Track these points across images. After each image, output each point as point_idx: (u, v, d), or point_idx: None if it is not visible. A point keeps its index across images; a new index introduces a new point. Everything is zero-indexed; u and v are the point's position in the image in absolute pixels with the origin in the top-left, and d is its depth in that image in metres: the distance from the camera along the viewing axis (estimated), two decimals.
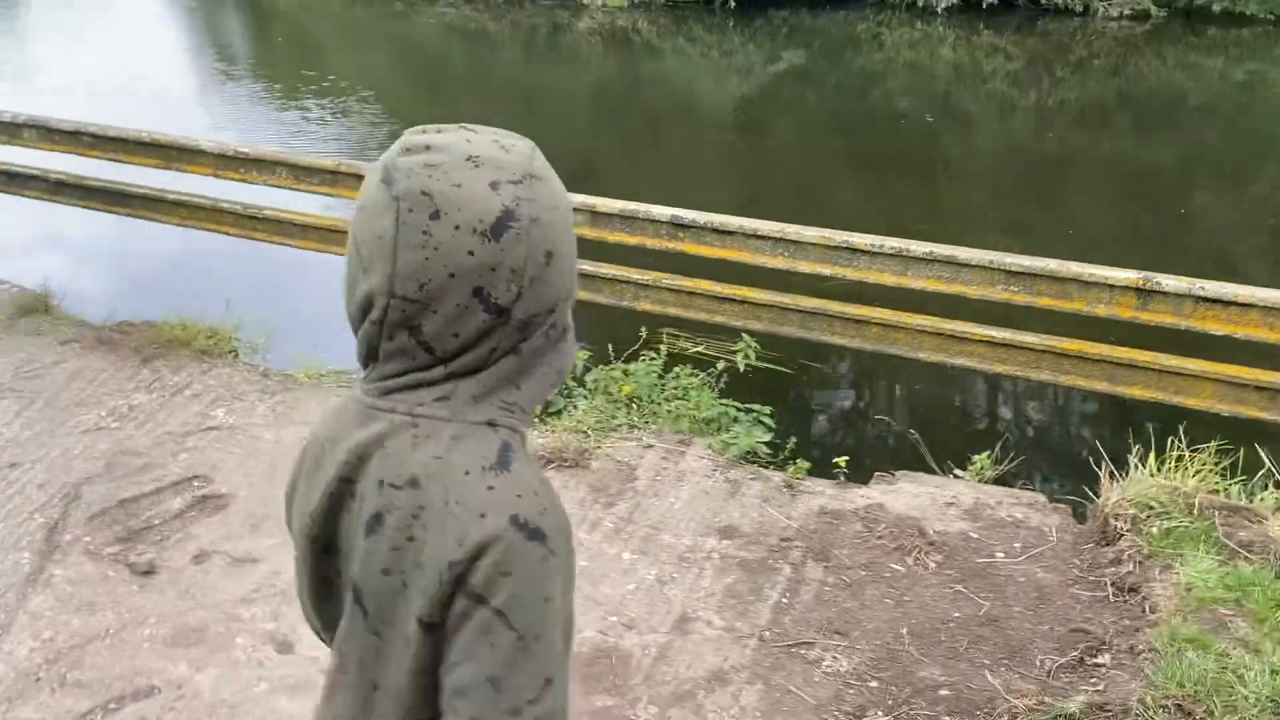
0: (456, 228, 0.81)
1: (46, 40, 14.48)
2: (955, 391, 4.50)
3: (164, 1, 19.46)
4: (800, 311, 3.95)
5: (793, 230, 3.85)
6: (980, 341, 3.73)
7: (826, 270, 3.84)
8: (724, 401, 3.19)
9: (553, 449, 2.91)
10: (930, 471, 3.06)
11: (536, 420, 3.12)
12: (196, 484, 2.78)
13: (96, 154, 5.03)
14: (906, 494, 2.81)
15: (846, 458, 2.98)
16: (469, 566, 0.80)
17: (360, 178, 4.54)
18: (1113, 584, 2.39)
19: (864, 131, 11.40)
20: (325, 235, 4.64)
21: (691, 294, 4.05)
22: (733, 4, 16.72)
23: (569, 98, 12.91)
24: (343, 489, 0.88)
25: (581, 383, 3.34)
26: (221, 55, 14.65)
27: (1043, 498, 2.81)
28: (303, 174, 4.59)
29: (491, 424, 0.86)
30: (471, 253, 0.82)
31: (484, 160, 0.84)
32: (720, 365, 3.34)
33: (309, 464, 0.93)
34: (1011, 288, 3.60)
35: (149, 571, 2.44)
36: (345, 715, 0.89)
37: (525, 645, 0.80)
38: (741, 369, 3.35)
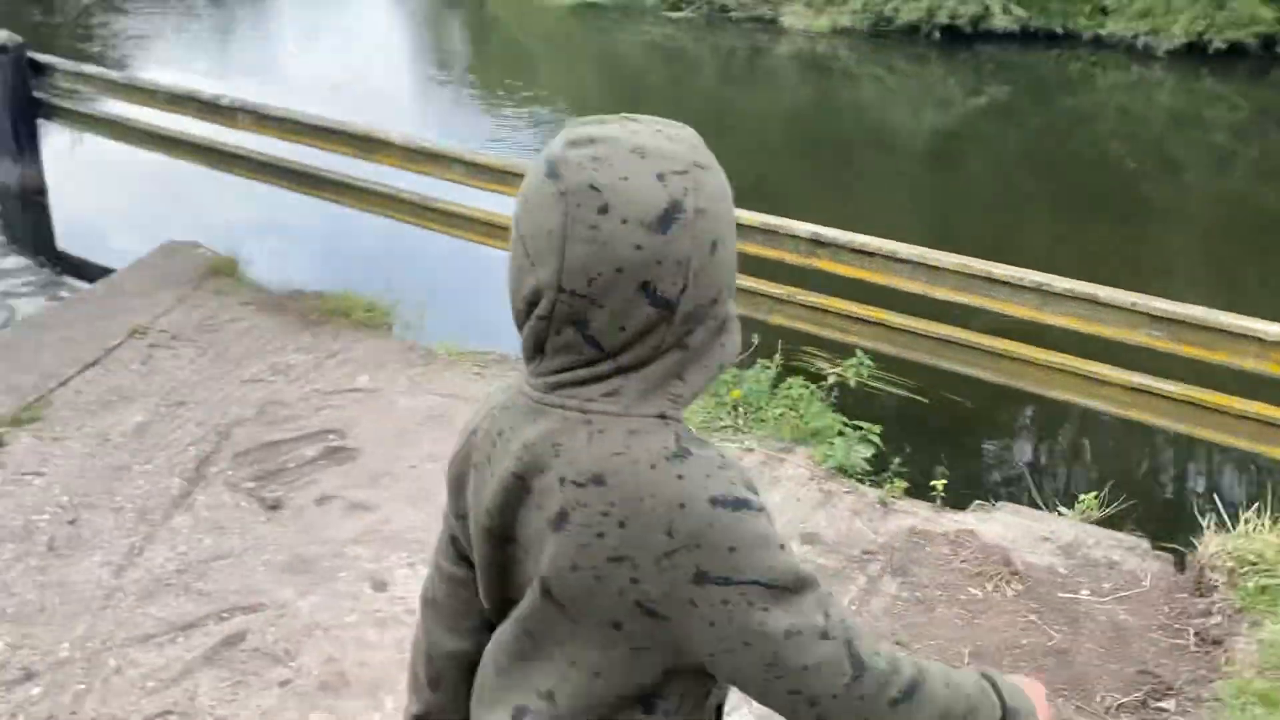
0: (624, 221, 0.81)
1: (287, 40, 15.71)
2: (1073, 428, 4.35)
3: (395, 9, 20.76)
4: (933, 338, 3.93)
5: (932, 255, 3.84)
6: (1117, 385, 3.62)
7: (963, 299, 3.81)
8: (834, 415, 3.23)
9: None
10: (1035, 506, 3.00)
11: None
12: (331, 437, 3.05)
13: (298, 139, 5.51)
14: (1002, 524, 2.79)
15: (944, 481, 2.97)
16: (690, 555, 0.82)
17: (524, 176, 4.82)
18: (1196, 634, 2.31)
19: (1066, 174, 11.00)
20: (489, 230, 4.93)
21: (825, 311, 4.09)
22: (938, 35, 16.43)
23: (762, 120, 13.02)
24: (517, 484, 0.88)
25: None
26: (439, 61, 15.54)
27: (1145, 543, 2.72)
28: (474, 170, 4.89)
29: (662, 416, 0.86)
30: (639, 246, 0.81)
31: (649, 151, 0.83)
32: (831, 379, 3.37)
33: (478, 457, 0.94)
34: (1154, 332, 3.48)
35: (276, 506, 2.71)
36: (543, 688, 0.91)
37: (793, 590, 0.83)
38: (852, 384, 3.37)
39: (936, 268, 3.82)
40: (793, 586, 0.83)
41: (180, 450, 2.95)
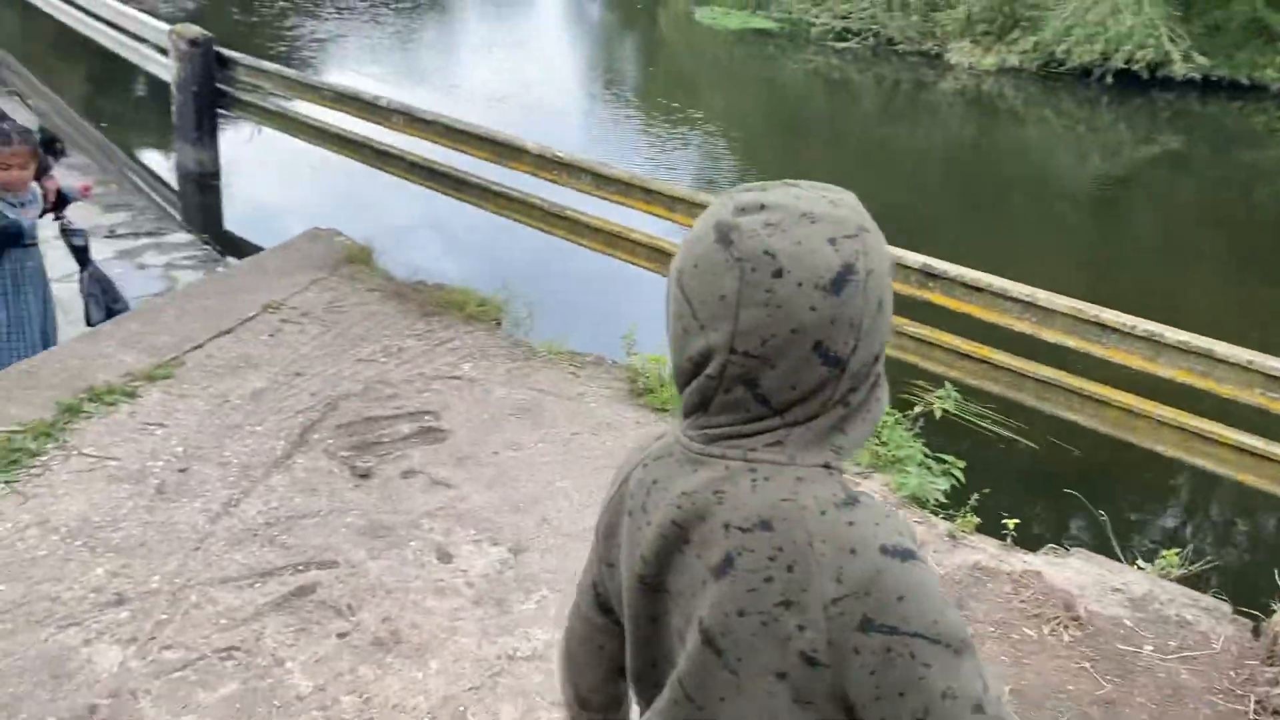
0: (799, 284, 0.83)
1: (461, 50, 16.38)
2: (1168, 482, 4.15)
3: (572, 27, 21.36)
4: (1037, 380, 3.85)
5: (1043, 296, 3.77)
6: (1229, 446, 3.47)
7: (1071, 343, 3.73)
8: (918, 445, 3.21)
9: None
10: (1113, 557, 2.91)
11: None
12: (427, 418, 3.22)
13: (445, 142, 5.80)
14: (1073, 569, 2.72)
15: (1017, 521, 2.91)
16: (859, 602, 0.82)
17: (647, 190, 4.94)
18: (1257, 701, 2.20)
19: (1242, 232, 10.45)
20: (610, 239, 5.08)
21: (932, 345, 4.06)
22: (1110, 79, 15.85)
23: (920, 155, 12.85)
24: (676, 532, 0.89)
25: None
26: (605, 78, 15.91)
27: (1226, 606, 2.61)
28: (602, 182, 5.06)
29: (827, 467, 0.87)
30: (813, 308, 0.83)
31: (819, 216, 0.85)
32: (918, 409, 3.35)
33: (631, 505, 0.96)
34: (1270, 393, 3.32)
35: (366, 475, 2.89)
36: None
37: (956, 651, 0.83)
38: (937, 416, 3.34)
39: (1048, 309, 3.75)
40: (956, 647, 0.84)
41: (289, 416, 3.17)
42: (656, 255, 4.91)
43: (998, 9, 17.68)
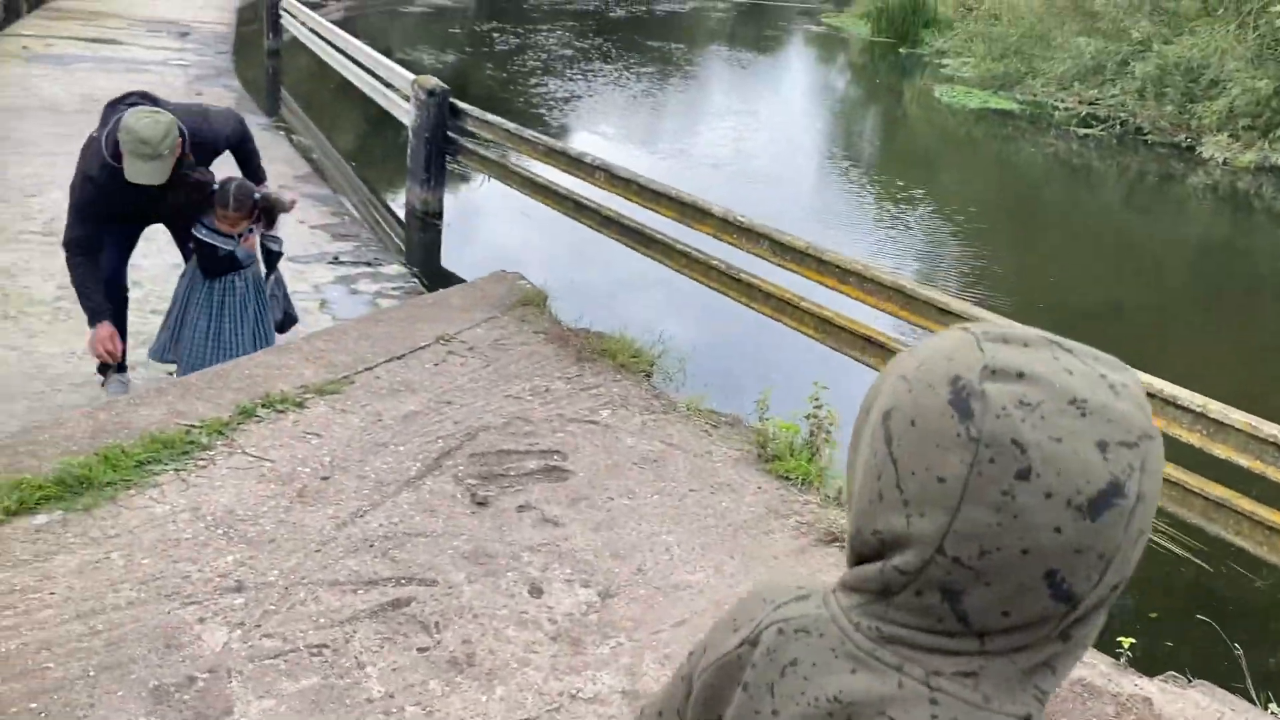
0: (1048, 495, 0.64)
1: (697, 115, 16.85)
2: None
3: (818, 99, 21.55)
4: (1205, 498, 3.58)
5: (1216, 408, 3.51)
6: None
7: (1244, 462, 3.45)
8: None
9: (842, 525, 3.04)
10: (1246, 697, 2.65)
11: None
12: (555, 458, 3.36)
13: (638, 200, 6.03)
14: (1189, 702, 2.50)
15: (1135, 641, 2.70)
16: None
17: (820, 260, 4.96)
18: None
19: None
20: (780, 305, 5.12)
21: None
22: None
23: (1160, 249, 12.15)
24: None
25: None
26: (834, 150, 15.96)
27: None
28: (780, 249, 5.11)
29: (1027, 718, 0.69)
30: (1059, 529, 0.65)
31: (1092, 407, 0.66)
32: None
33: (753, 678, 0.77)
34: None
35: (483, 504, 3.05)
36: None
37: None
38: None
39: (1221, 422, 3.49)
40: None
41: (431, 440, 3.39)
42: (823, 325, 4.91)
43: (1265, 103, 16.52)
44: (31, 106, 9.84)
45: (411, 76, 8.21)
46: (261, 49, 16.27)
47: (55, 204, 6.92)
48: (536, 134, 7.02)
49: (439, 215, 8.05)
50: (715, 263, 5.49)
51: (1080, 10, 20.45)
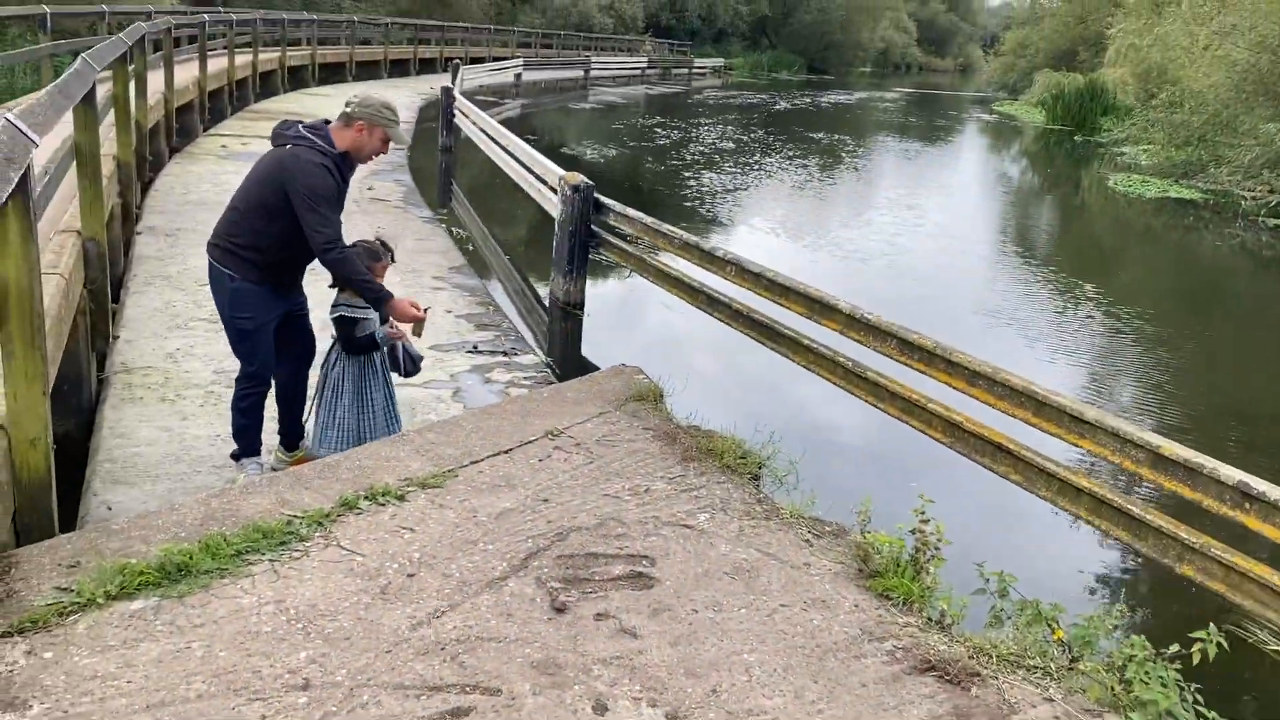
0: None
1: (857, 208, 16.72)
2: None
3: (980, 190, 21.08)
4: None
5: None
6: None
7: None
8: (1172, 690, 2.72)
9: (940, 652, 2.81)
10: None
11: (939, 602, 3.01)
12: (643, 563, 3.27)
13: (767, 295, 5.96)
14: None
15: None
16: None
17: (950, 361, 4.73)
18: None
19: None
20: (907, 406, 4.91)
21: (1244, 575, 3.49)
22: None
23: None
24: None
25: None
26: (999, 242, 15.48)
27: None
28: (908, 349, 4.93)
29: None
30: None
31: None
32: (1196, 650, 2.84)
33: None
34: None
35: (561, 610, 2.98)
36: None
37: None
38: (1198, 659, 2.81)
39: None
40: None
41: (521, 540, 3.36)
42: (952, 429, 4.68)
43: None
44: (219, 201, 10.63)
45: (560, 172, 8.46)
46: (436, 145, 17.21)
47: None
48: (673, 228, 7.08)
49: (580, 306, 8.19)
50: (842, 359, 5.34)
51: (1270, 94, 19.37)
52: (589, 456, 4.02)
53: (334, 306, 4.25)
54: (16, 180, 2.62)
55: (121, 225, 8.53)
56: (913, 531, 3.27)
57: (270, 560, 3.11)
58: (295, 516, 3.36)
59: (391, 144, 4.11)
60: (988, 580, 3.13)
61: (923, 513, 3.28)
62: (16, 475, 3.20)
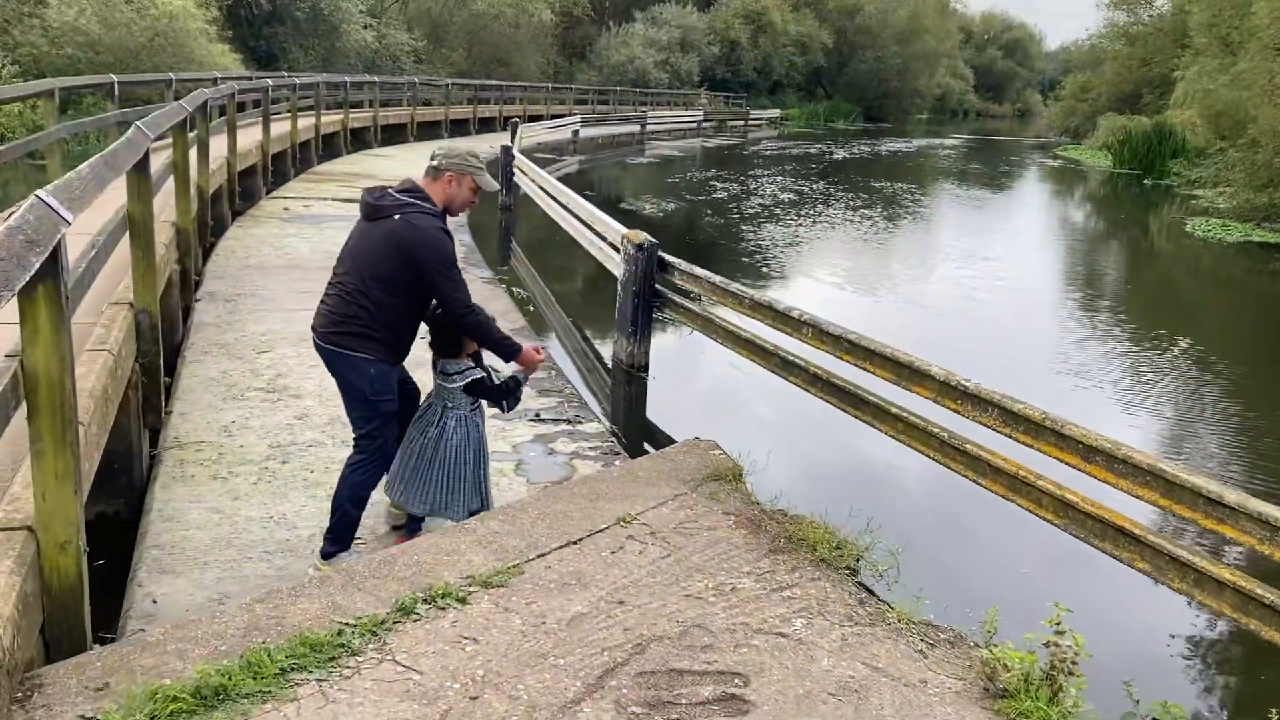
0: None
1: (928, 260, 16.26)
2: None
3: (1052, 237, 20.51)
4: None
5: None
6: None
7: None
8: None
9: None
10: None
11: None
12: (736, 681, 2.88)
13: (848, 359, 5.57)
14: None
15: None
16: None
17: (1060, 434, 4.30)
18: None
19: None
20: (1012, 483, 4.48)
21: None
22: None
23: None
24: None
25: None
26: (1074, 293, 14.93)
27: None
28: (1010, 419, 4.51)
29: None
30: None
31: None
32: None
33: None
34: None
35: None
36: None
37: None
38: None
39: None
40: None
41: (596, 653, 2.99)
42: (1065, 510, 4.23)
43: None
44: (279, 265, 10.54)
45: (623, 230, 8.19)
46: (495, 203, 17.14)
47: (283, 360, 7.20)
48: (743, 287, 6.73)
49: (645, 369, 7.86)
50: (936, 430, 4.92)
51: None
52: (666, 548, 3.65)
53: (449, 374, 4.15)
54: (39, 265, 2.37)
55: (180, 293, 8.42)
56: (1046, 644, 2.85)
57: (318, 680, 2.78)
58: (347, 625, 3.03)
59: (481, 191, 4.06)
60: (1137, 702, 2.69)
61: (1058, 622, 2.85)
62: (46, 583, 2.92)
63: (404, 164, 21.36)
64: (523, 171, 16.16)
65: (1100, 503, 4.09)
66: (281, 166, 17.44)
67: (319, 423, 6.08)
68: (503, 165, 16.67)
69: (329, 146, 21.57)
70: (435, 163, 3.94)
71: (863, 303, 12.06)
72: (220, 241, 11.61)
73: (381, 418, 3.96)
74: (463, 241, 12.86)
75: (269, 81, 16.97)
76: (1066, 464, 4.21)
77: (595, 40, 51.10)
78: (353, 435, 4.14)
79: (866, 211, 20.91)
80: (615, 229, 8.61)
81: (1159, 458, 3.86)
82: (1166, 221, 22.09)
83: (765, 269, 13.90)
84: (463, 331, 3.96)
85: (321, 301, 4.00)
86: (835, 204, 21.83)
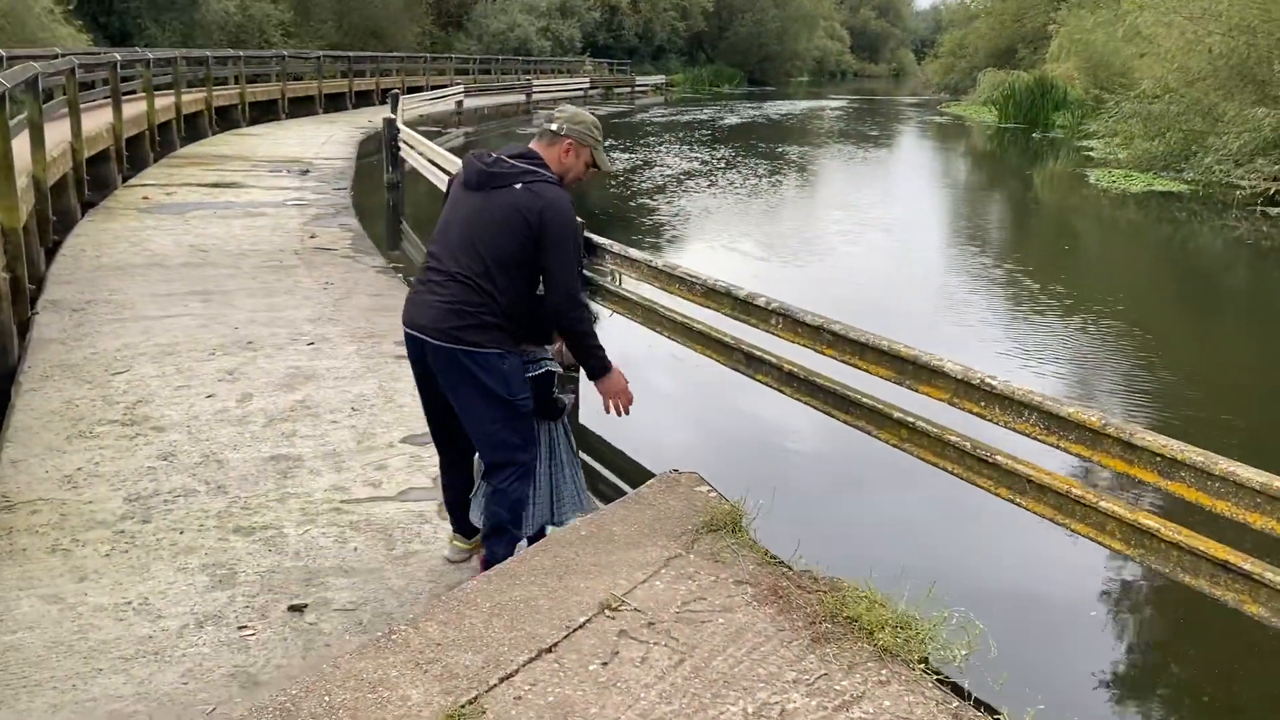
0: None
1: (821, 222, 15.56)
2: None
3: (944, 198, 20.16)
4: None
5: None
6: None
7: None
8: None
9: None
10: None
11: None
12: None
13: (831, 354, 4.67)
14: None
15: None
16: None
17: (1134, 447, 3.50)
18: None
19: None
20: (1063, 504, 3.65)
21: None
22: None
23: None
24: None
25: None
26: (972, 240, 14.49)
27: None
28: (1058, 425, 3.67)
29: None
30: None
31: None
32: None
33: None
34: None
35: None
36: None
37: None
38: None
39: None
40: None
41: None
42: (1139, 537, 3.42)
43: None
44: (139, 263, 9.17)
45: None
46: (380, 182, 15.81)
47: (143, 382, 5.98)
48: (691, 271, 5.75)
49: (576, 368, 6.86)
50: (954, 439, 4.06)
51: (1250, 80, 18.60)
52: (673, 649, 2.70)
53: (533, 360, 3.56)
54: None
55: (13, 306, 7.06)
56: None
57: None
58: None
59: (592, 170, 3.65)
60: None
61: None
62: None
63: (277, 143, 19.73)
64: (410, 146, 14.88)
65: (1192, 531, 3.29)
66: (139, 151, 15.76)
67: (188, 463, 4.93)
68: (386, 140, 15.35)
69: (192, 128, 19.79)
70: (554, 126, 3.49)
71: (795, 275, 11.27)
72: (67, 239, 10.12)
73: (525, 423, 3.48)
74: (348, 226, 11.58)
75: (118, 56, 15.23)
76: (1144, 480, 3.40)
77: (472, 8, 49.25)
78: (486, 459, 3.55)
79: (780, 179, 20.19)
80: None
81: (1272, 476, 3.07)
82: (1068, 174, 21.96)
83: (684, 242, 13.01)
84: (561, 325, 3.43)
85: (423, 289, 3.42)
86: (741, 170, 21.07)
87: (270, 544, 4.17)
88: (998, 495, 3.91)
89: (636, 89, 52.16)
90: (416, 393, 3.63)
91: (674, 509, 3.45)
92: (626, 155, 22.63)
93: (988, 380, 3.90)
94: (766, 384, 5.13)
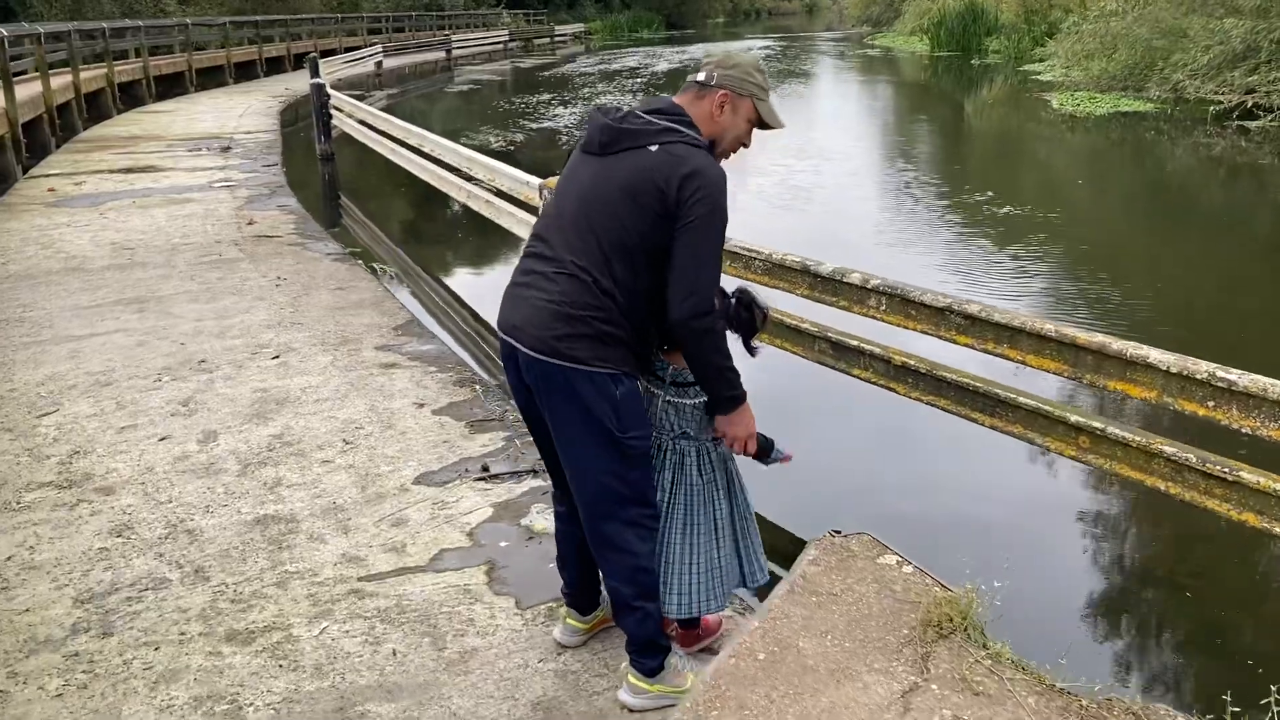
0: None
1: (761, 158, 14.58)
2: None
3: (866, 112, 19.36)
4: None
5: None
6: None
7: None
8: None
9: None
10: None
11: None
12: None
13: (966, 341, 3.71)
14: None
15: None
16: None
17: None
18: None
19: None
20: None
21: None
22: None
23: None
24: None
25: None
26: (907, 163, 13.71)
27: None
28: None
29: None
30: None
31: None
32: None
33: None
34: None
35: None
36: None
37: None
38: None
39: None
40: None
41: None
42: None
43: None
44: (53, 269, 7.85)
45: (536, 180, 6.05)
46: (312, 153, 14.44)
47: (77, 425, 4.81)
48: (749, 245, 4.72)
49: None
50: (1169, 450, 3.14)
51: None
52: None
53: (683, 385, 2.68)
54: None
55: None
56: None
57: None
58: None
59: (756, 131, 2.71)
60: None
61: None
62: None
63: (191, 119, 18.10)
64: (342, 111, 13.52)
65: None
66: (39, 137, 14.17)
67: (150, 537, 3.83)
68: (316, 108, 13.95)
69: (95, 107, 18.07)
70: (702, 75, 2.64)
71: (785, 216, 10.28)
72: None
73: (645, 468, 2.60)
74: (287, 207, 10.31)
75: (4, 32, 13.55)
76: None
77: None
78: (581, 511, 2.68)
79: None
80: (520, 178, 6.44)
81: None
82: (1031, 100, 21.23)
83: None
84: (685, 337, 2.44)
85: (523, 281, 2.60)
86: None
87: (278, 655, 3.12)
88: (1244, 522, 3.02)
89: (556, 39, 50.43)
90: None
91: (868, 600, 2.46)
92: (569, 110, 21.32)
93: (1219, 374, 2.97)
94: (872, 381, 4.17)
